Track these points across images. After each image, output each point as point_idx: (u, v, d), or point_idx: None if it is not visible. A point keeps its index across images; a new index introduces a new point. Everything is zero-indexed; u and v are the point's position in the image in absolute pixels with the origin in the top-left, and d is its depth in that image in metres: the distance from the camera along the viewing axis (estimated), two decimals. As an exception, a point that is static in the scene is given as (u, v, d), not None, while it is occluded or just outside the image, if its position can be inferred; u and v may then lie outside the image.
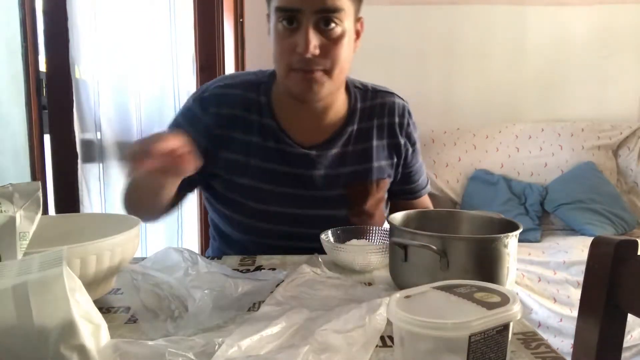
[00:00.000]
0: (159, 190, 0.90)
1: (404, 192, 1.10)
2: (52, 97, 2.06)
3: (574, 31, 2.72)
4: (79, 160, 2.08)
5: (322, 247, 0.86)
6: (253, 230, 1.00)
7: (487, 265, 0.67)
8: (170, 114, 2.15)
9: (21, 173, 1.89)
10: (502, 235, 0.67)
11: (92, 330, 0.45)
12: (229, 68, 2.34)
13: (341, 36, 0.87)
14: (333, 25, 0.86)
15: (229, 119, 0.97)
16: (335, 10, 0.85)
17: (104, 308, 0.67)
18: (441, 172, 2.56)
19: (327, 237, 0.88)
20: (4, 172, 1.75)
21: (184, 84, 2.16)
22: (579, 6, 2.69)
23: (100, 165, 2.13)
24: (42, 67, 2.03)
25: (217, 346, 0.49)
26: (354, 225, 0.95)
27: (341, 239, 0.91)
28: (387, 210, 1.11)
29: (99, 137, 2.10)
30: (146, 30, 2.09)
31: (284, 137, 0.97)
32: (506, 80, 2.74)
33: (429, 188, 1.14)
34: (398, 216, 0.80)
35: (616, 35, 2.73)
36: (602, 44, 2.73)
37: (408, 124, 1.05)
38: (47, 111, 2.07)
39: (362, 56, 2.64)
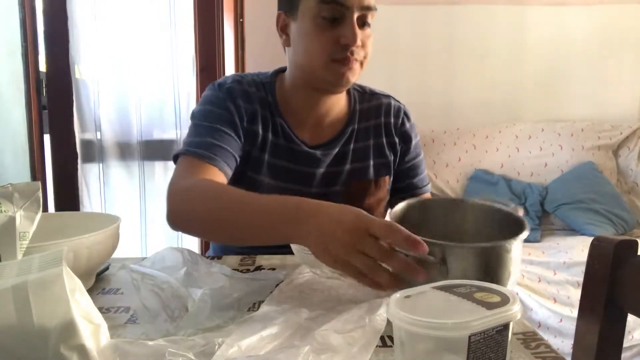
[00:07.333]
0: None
1: (404, 189, 1.11)
2: (52, 97, 2.06)
3: (574, 31, 2.71)
4: (79, 160, 2.08)
5: None
6: None
7: (488, 272, 0.63)
8: (170, 115, 2.15)
9: (21, 173, 1.89)
10: (504, 242, 0.63)
11: (92, 330, 0.45)
12: (229, 68, 2.34)
13: (370, 33, 0.95)
14: (368, 22, 0.94)
15: (252, 114, 0.99)
16: (374, 8, 0.93)
17: (104, 308, 0.67)
18: (441, 172, 2.56)
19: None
20: (4, 172, 1.74)
21: (184, 84, 2.15)
22: (579, 6, 2.69)
23: (100, 165, 2.13)
24: (42, 67, 2.03)
25: (217, 346, 0.49)
26: None
27: None
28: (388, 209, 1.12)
29: (98, 137, 2.10)
30: (146, 31, 2.09)
31: (293, 136, 1.01)
32: (506, 80, 2.73)
33: (429, 188, 1.15)
34: (399, 208, 0.74)
35: (616, 35, 2.73)
36: (602, 44, 2.73)
37: (402, 124, 1.08)
38: (47, 111, 2.06)
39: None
